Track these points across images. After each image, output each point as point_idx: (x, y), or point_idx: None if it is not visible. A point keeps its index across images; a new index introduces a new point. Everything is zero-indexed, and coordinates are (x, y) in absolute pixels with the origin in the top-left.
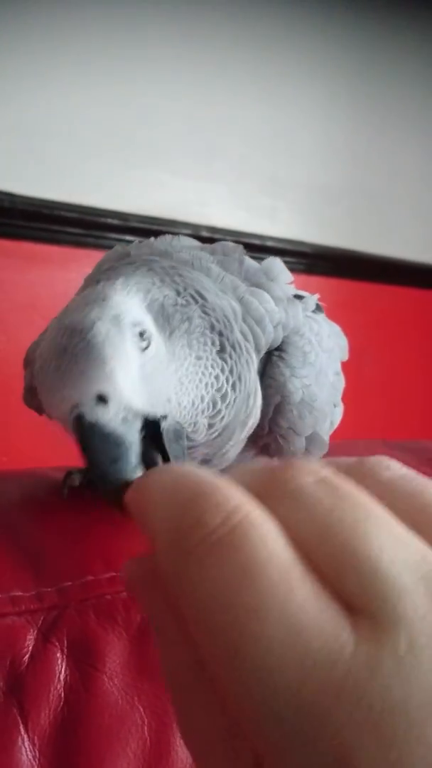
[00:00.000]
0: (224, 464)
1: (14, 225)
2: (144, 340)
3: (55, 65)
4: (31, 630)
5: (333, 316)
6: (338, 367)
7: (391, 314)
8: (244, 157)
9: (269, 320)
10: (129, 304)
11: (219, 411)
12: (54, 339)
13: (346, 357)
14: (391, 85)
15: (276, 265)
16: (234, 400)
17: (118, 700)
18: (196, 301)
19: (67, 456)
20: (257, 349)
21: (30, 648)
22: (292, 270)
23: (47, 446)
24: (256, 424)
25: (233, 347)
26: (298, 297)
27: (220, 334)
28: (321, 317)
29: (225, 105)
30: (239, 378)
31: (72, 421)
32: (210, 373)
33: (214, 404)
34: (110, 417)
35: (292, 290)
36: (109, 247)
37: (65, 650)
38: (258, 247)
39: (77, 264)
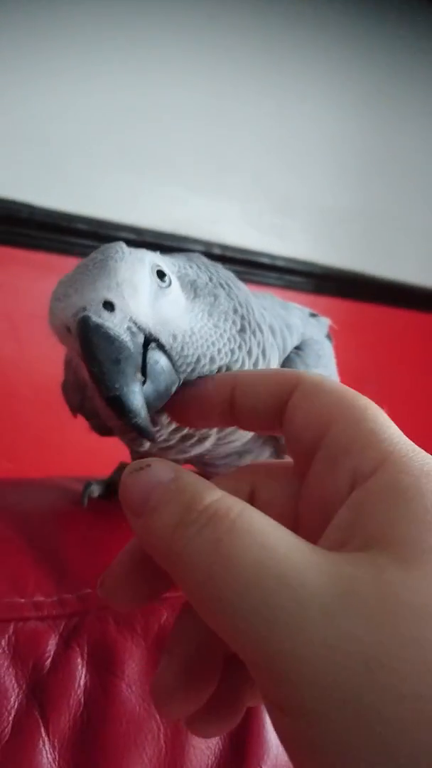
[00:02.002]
0: (234, 444)
1: (31, 235)
2: (164, 280)
3: (77, 81)
4: (53, 635)
5: (339, 336)
6: None
7: (397, 337)
8: (257, 177)
9: (296, 330)
10: (153, 255)
11: None
12: (76, 267)
13: None
14: (402, 110)
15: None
16: None
17: (135, 707)
18: (224, 288)
19: (71, 463)
20: (283, 348)
21: (52, 653)
22: (299, 289)
23: (52, 454)
24: None
25: (253, 332)
26: (313, 315)
27: (242, 317)
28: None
29: (239, 125)
30: (258, 360)
31: (77, 323)
32: (225, 344)
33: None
34: (115, 323)
35: (308, 310)
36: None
37: (85, 656)
38: (267, 266)
39: None
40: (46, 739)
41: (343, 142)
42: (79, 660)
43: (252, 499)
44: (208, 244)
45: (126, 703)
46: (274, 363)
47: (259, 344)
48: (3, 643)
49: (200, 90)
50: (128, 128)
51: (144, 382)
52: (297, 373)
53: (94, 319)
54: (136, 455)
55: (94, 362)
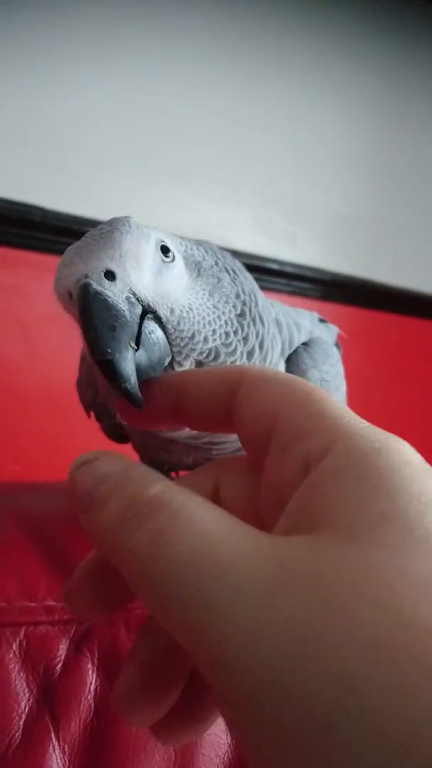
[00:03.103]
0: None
1: (43, 239)
2: (167, 256)
3: (90, 86)
4: (64, 640)
5: (346, 344)
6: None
7: (405, 345)
8: (268, 184)
9: (304, 328)
10: (160, 231)
11: (221, 363)
12: (83, 238)
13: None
14: (413, 118)
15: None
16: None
17: None
18: (229, 273)
19: None
20: (290, 343)
21: (62, 658)
22: (308, 296)
23: (60, 456)
24: None
25: (253, 320)
26: (323, 321)
27: (244, 303)
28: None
29: (251, 132)
30: (254, 349)
31: (78, 289)
32: (221, 326)
33: (216, 355)
34: (115, 291)
35: (318, 315)
36: None
37: (96, 661)
38: (277, 272)
39: None
40: (56, 744)
41: (354, 151)
42: (89, 665)
43: (216, 495)
44: None
45: None
46: (275, 356)
47: (257, 334)
48: (14, 647)
49: (213, 97)
50: (141, 134)
51: (138, 351)
52: (240, 368)
53: (94, 286)
54: (144, 456)
55: (90, 327)
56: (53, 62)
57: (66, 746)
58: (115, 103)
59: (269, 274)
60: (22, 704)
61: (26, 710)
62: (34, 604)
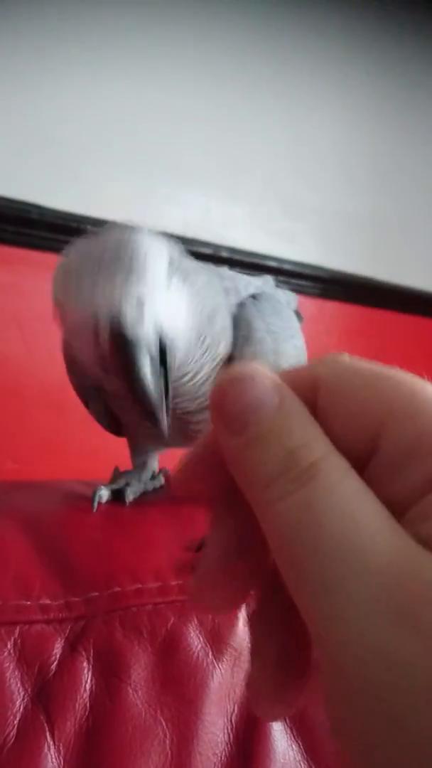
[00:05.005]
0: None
1: (40, 236)
2: (171, 266)
3: (88, 84)
4: (59, 638)
5: (346, 341)
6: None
7: (405, 343)
8: (267, 181)
9: (253, 285)
10: (168, 246)
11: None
12: (89, 250)
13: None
14: (414, 116)
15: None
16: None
17: (141, 712)
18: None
19: (75, 464)
20: (236, 290)
21: (57, 656)
22: (307, 294)
23: (57, 455)
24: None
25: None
26: (278, 287)
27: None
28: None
29: (250, 129)
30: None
31: (110, 319)
32: (193, 328)
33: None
34: (147, 331)
35: (273, 280)
36: None
37: (91, 660)
38: (276, 270)
39: None
40: (51, 743)
41: (354, 148)
42: (85, 664)
43: None
44: (217, 248)
45: (132, 708)
46: (224, 318)
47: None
48: (9, 645)
49: (212, 94)
50: (139, 131)
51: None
52: (309, 371)
53: (131, 332)
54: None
55: (137, 380)
56: (50, 59)
57: (61, 745)
58: (113, 101)
59: (268, 272)
60: (17, 703)
61: (21, 709)
62: (29, 602)
